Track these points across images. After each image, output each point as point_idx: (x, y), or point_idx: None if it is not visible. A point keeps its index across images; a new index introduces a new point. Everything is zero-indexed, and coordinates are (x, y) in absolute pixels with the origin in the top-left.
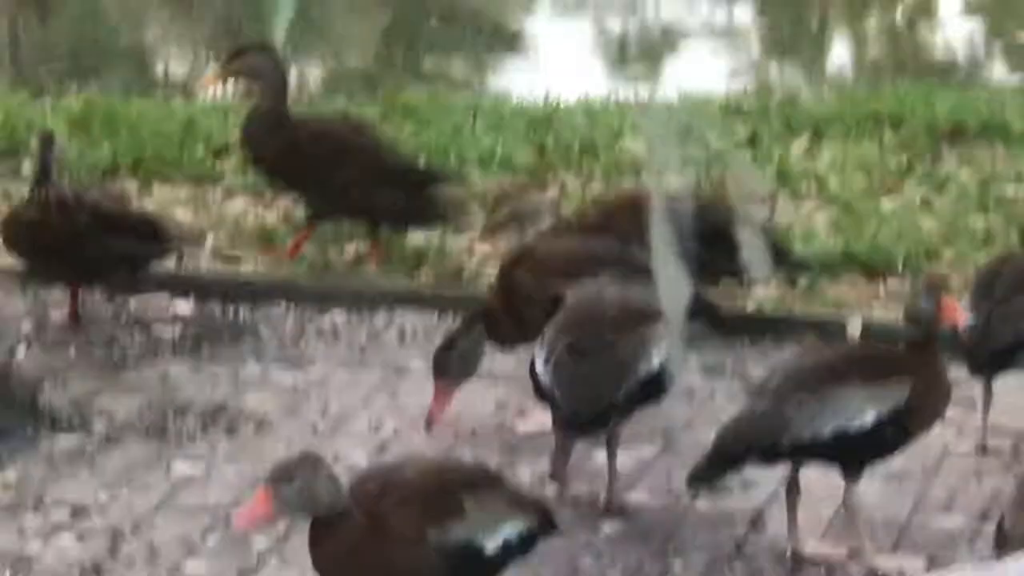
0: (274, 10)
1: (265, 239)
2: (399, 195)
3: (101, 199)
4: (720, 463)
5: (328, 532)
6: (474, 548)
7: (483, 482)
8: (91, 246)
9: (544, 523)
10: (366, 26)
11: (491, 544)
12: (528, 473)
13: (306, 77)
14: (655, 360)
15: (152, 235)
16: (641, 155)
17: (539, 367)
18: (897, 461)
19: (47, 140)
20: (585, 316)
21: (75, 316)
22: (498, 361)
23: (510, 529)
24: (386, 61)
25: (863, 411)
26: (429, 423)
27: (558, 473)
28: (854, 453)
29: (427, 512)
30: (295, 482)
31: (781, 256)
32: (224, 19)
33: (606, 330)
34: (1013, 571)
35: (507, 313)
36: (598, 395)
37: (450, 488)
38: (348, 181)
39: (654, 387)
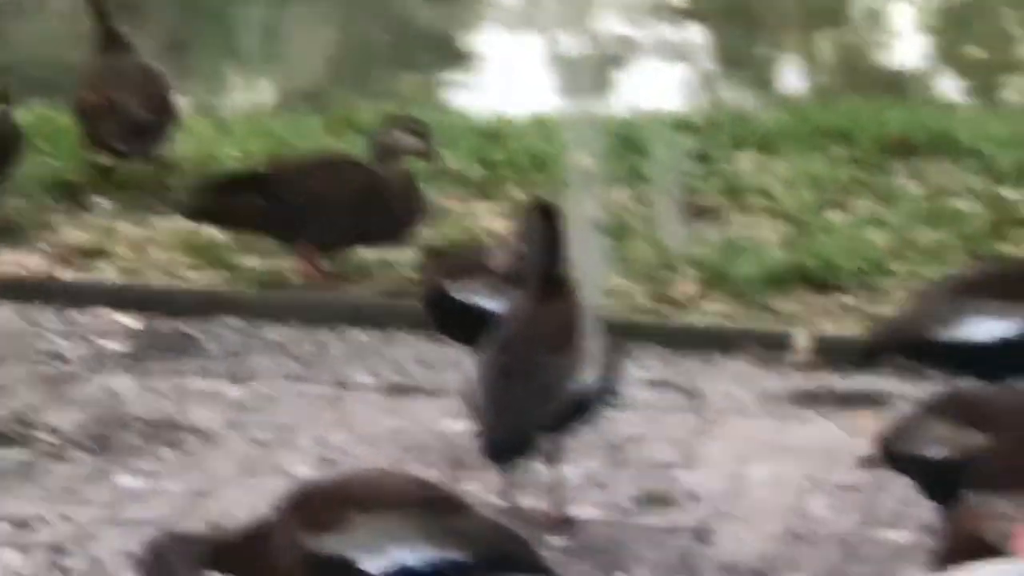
0: (225, 26)
1: (211, 255)
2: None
3: None
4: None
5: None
6: (347, 564)
7: (410, 503)
8: None
9: (498, 561)
10: (316, 41)
11: (374, 564)
12: (477, 488)
13: (258, 90)
14: (587, 380)
15: None
16: (591, 169)
17: (473, 385)
18: (846, 475)
19: None
20: (518, 334)
21: None
22: (448, 374)
23: (410, 555)
24: (336, 77)
25: None
26: None
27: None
28: None
29: (305, 520)
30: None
31: None
32: (176, 32)
33: (535, 351)
34: None
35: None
36: (521, 422)
37: (347, 501)
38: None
39: (587, 407)
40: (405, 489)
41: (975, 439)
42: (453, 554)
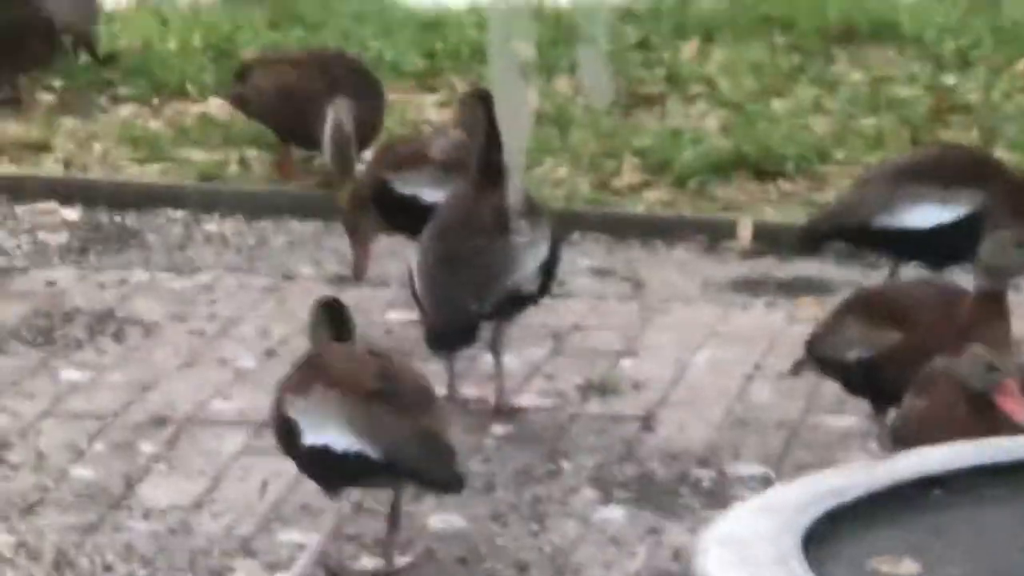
0: None
1: (153, 148)
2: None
3: None
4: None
5: None
6: (295, 429)
7: (362, 388)
8: None
9: (410, 471)
10: None
11: (312, 437)
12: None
13: None
14: (528, 267)
15: None
16: (528, 58)
17: (413, 274)
18: (789, 362)
19: None
20: (456, 222)
21: None
22: (391, 264)
23: (341, 440)
24: None
25: None
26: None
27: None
28: None
29: (288, 381)
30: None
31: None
32: None
33: (475, 238)
34: (901, 468)
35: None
36: (462, 311)
37: (316, 372)
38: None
39: (529, 296)
40: (367, 372)
41: (888, 337)
42: (369, 449)
